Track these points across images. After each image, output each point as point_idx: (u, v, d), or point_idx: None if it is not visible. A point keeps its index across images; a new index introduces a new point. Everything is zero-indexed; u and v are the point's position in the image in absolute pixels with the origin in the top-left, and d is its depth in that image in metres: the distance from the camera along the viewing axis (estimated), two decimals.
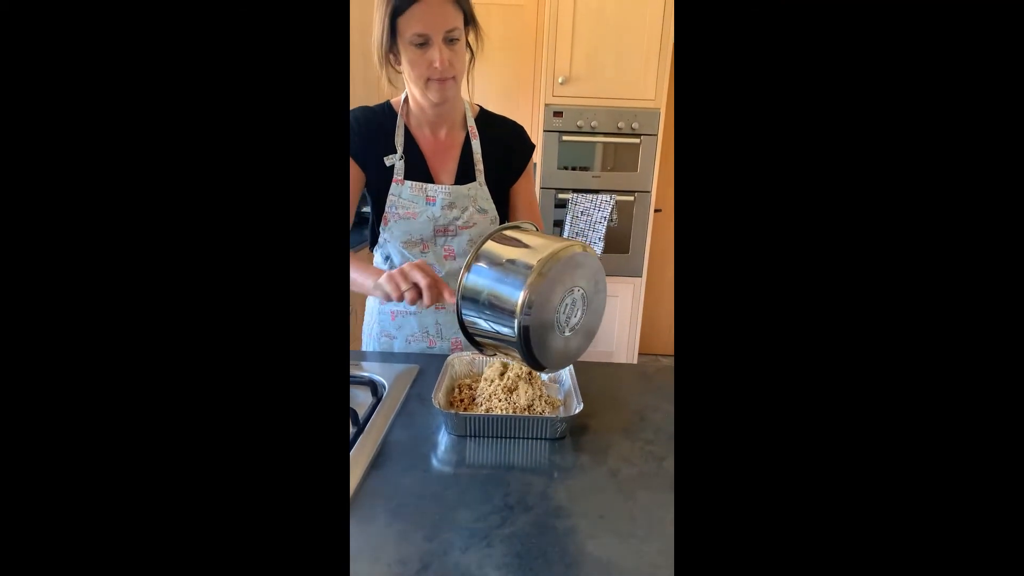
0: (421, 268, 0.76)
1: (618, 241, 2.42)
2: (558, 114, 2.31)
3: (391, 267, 1.05)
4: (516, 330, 0.61)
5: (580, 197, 2.34)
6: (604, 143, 2.34)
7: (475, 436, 0.73)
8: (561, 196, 2.37)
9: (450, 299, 0.73)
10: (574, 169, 2.38)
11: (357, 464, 0.65)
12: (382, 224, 1.01)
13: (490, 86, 2.52)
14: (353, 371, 0.89)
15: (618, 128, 2.31)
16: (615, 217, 2.35)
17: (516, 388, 0.80)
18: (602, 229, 2.33)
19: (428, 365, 0.95)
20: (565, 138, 2.33)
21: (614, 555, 0.53)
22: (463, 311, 0.67)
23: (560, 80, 2.27)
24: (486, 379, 0.82)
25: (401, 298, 0.76)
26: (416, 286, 0.75)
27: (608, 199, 2.32)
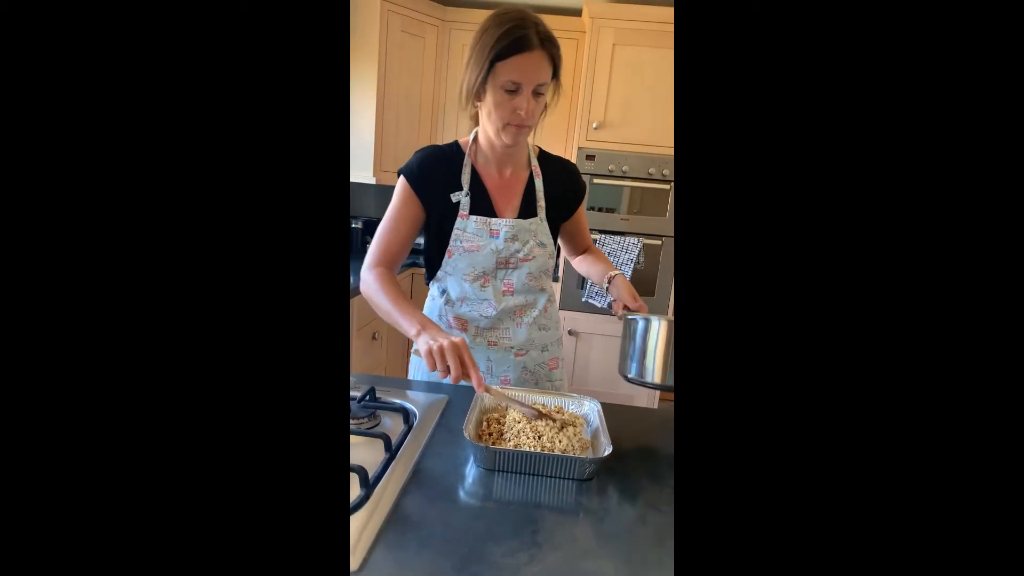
0: (457, 352, 0.81)
1: (645, 283, 2.43)
2: (591, 157, 2.37)
3: (447, 301, 1.09)
4: None
5: (607, 238, 2.38)
6: (632, 187, 2.38)
7: (503, 471, 0.74)
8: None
9: (479, 389, 0.82)
10: (602, 210, 2.42)
11: (390, 489, 0.66)
12: (446, 257, 1.05)
13: None
14: (386, 397, 0.90)
15: (648, 174, 2.36)
16: (642, 259, 2.37)
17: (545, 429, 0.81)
18: (629, 270, 2.35)
19: (456, 396, 0.96)
20: (596, 181, 2.38)
21: None
22: None
23: (594, 125, 2.34)
24: (513, 418, 0.83)
25: (434, 369, 0.82)
26: (448, 366, 0.81)
27: (636, 242, 2.35)
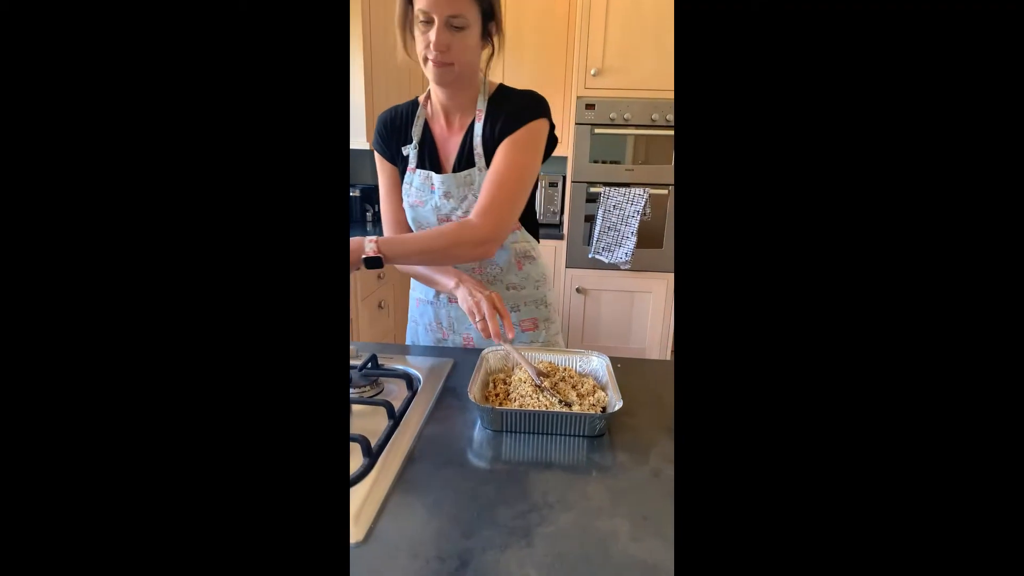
0: (493, 305, 0.86)
1: (652, 236, 2.37)
2: (590, 107, 2.27)
3: None
4: None
5: (612, 191, 2.30)
6: (636, 136, 2.29)
7: (511, 432, 0.72)
8: (592, 190, 2.33)
9: (509, 332, 0.85)
10: (605, 163, 2.33)
11: (394, 457, 0.64)
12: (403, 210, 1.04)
13: (521, 78, 2.50)
14: (388, 364, 0.88)
15: (652, 120, 2.26)
16: (648, 211, 2.30)
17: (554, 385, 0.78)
18: (635, 223, 2.29)
19: (462, 359, 0.94)
20: (597, 131, 2.29)
21: (660, 559, 0.50)
22: None
23: (592, 72, 2.23)
24: (519, 378, 0.81)
25: (475, 321, 0.86)
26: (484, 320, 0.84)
27: (642, 193, 2.27)
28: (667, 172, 2.32)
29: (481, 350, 0.87)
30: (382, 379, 0.84)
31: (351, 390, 0.80)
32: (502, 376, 0.84)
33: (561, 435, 0.71)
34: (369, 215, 2.74)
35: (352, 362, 0.85)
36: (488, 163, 0.95)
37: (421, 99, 1.03)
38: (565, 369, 0.85)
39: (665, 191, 2.32)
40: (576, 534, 0.53)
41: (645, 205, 2.28)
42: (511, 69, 2.48)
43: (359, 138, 2.29)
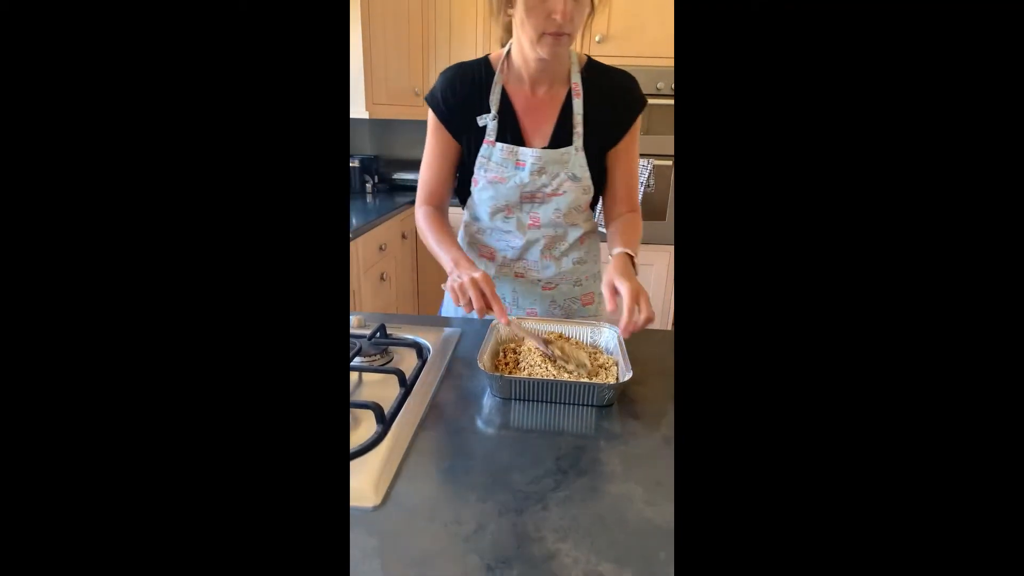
0: (477, 286, 0.79)
1: (655, 207, 2.35)
2: None
3: (477, 229, 1.04)
4: None
5: None
6: None
7: (520, 400, 0.72)
8: None
9: (502, 319, 0.79)
10: None
11: (407, 424, 0.64)
12: (472, 184, 0.98)
13: None
14: (397, 334, 0.88)
15: (657, 89, 2.22)
16: (652, 183, 2.28)
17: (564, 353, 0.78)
18: (639, 194, 2.27)
19: (470, 329, 0.94)
20: None
21: (674, 524, 0.51)
22: None
23: (597, 39, 2.18)
24: (528, 347, 0.81)
25: (459, 304, 0.80)
26: (471, 300, 0.78)
27: (645, 164, 2.24)
28: (671, 143, 2.29)
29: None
30: (392, 348, 0.84)
31: (361, 359, 0.80)
32: (512, 346, 0.84)
33: (571, 404, 0.72)
34: (368, 186, 2.71)
35: (361, 331, 0.85)
36: (586, 144, 0.92)
37: (494, 61, 0.94)
38: (576, 342, 0.86)
39: (669, 162, 2.30)
40: (590, 498, 0.54)
41: (649, 176, 2.26)
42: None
43: (357, 106, 2.24)
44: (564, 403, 0.72)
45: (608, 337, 0.86)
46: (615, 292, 0.80)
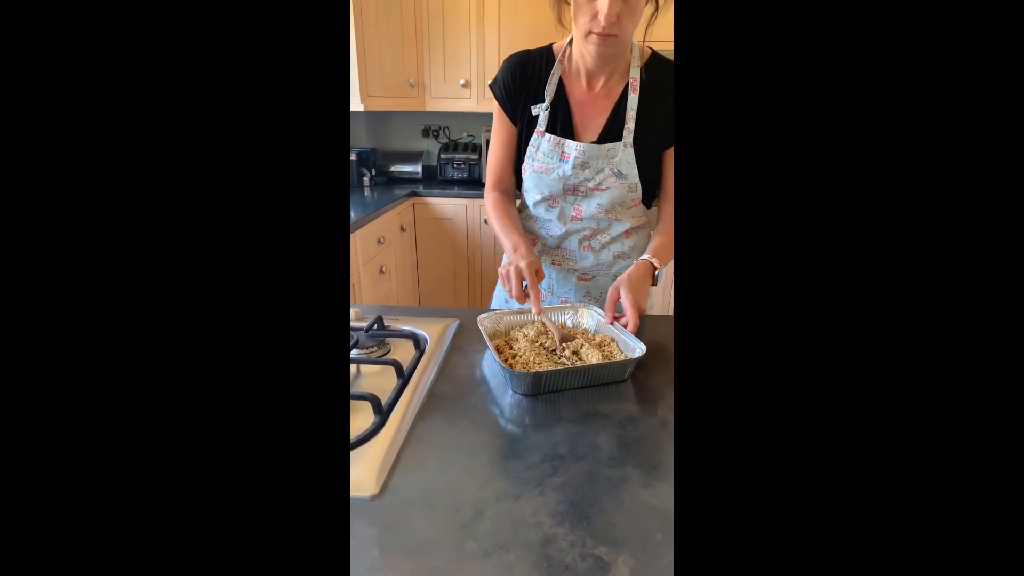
0: (520, 274, 0.82)
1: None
2: None
3: (525, 215, 1.05)
4: None
5: None
6: None
7: (546, 392, 0.71)
8: None
9: (534, 308, 0.82)
10: None
11: (405, 414, 0.65)
12: (523, 172, 0.99)
13: (518, 29, 2.41)
14: (395, 325, 0.88)
15: None
16: None
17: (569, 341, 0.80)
18: None
19: (465, 318, 0.94)
20: None
21: (671, 505, 0.51)
22: None
23: None
24: (524, 337, 0.81)
25: (506, 286, 0.84)
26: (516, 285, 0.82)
27: None
28: None
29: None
30: (389, 340, 0.84)
31: (359, 351, 0.80)
32: (505, 341, 0.84)
33: (579, 388, 0.72)
34: (366, 179, 2.70)
35: (358, 324, 0.85)
36: (637, 140, 0.90)
37: (557, 51, 0.92)
38: (584, 331, 0.87)
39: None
40: (588, 482, 0.54)
41: None
42: (507, 19, 2.39)
43: (353, 100, 2.23)
44: (587, 386, 0.73)
45: (589, 317, 0.89)
46: (616, 300, 0.85)
